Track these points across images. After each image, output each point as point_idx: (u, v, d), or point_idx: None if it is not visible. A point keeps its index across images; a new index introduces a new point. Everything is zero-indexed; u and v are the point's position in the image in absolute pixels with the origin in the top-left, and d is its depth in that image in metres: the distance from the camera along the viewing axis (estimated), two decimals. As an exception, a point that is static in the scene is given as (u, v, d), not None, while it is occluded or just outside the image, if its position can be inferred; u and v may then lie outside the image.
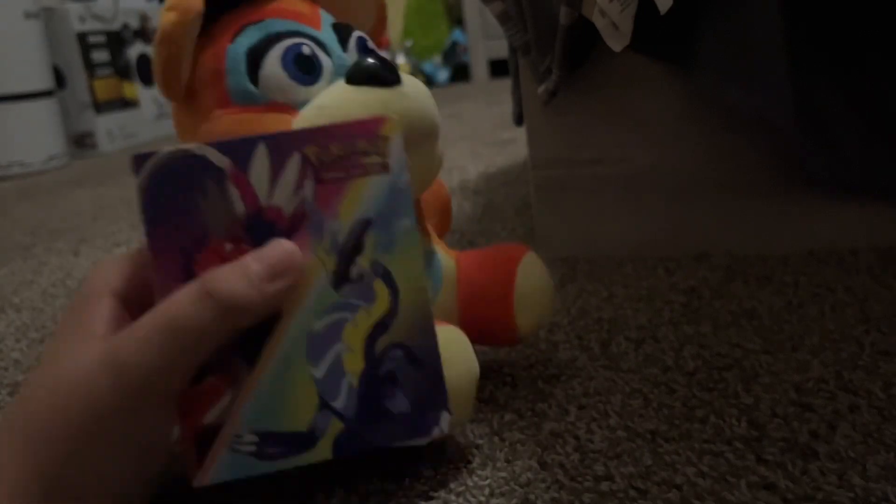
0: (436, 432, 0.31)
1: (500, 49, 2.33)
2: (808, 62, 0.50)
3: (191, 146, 0.28)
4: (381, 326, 0.30)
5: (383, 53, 0.38)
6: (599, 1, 0.49)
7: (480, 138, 1.30)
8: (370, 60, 0.34)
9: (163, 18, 0.32)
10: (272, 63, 0.33)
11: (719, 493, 0.30)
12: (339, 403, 0.30)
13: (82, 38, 1.89)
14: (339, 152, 0.29)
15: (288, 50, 0.33)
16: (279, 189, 0.29)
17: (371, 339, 0.30)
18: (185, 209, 0.28)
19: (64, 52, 1.88)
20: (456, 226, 0.73)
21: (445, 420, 0.31)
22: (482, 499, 0.32)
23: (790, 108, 0.50)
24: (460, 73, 2.72)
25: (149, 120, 2.10)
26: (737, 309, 0.48)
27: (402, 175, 0.30)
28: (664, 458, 0.33)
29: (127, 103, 2.02)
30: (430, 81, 2.66)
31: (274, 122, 0.32)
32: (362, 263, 0.30)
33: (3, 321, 0.64)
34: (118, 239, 0.91)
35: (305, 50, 0.33)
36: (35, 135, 1.71)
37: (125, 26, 2.03)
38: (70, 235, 0.96)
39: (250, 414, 0.29)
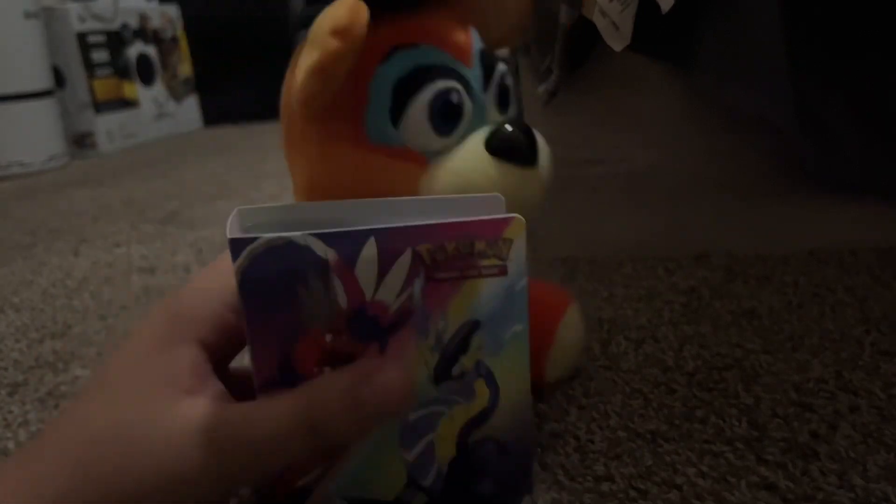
0: None
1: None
2: (808, 62, 0.50)
3: (296, 236, 0.26)
4: (476, 421, 0.30)
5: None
6: (600, 1, 0.49)
7: (480, 138, 1.30)
8: (512, 129, 0.31)
9: (324, 44, 0.27)
10: (419, 108, 0.30)
11: (719, 494, 0.30)
12: (426, 483, 0.30)
13: (82, 38, 1.89)
14: (454, 252, 0.27)
15: (438, 96, 0.30)
16: (386, 285, 0.27)
17: (465, 432, 0.30)
18: (285, 299, 0.27)
19: (64, 51, 1.88)
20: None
21: (527, 502, 0.31)
22: (482, 499, 0.32)
23: (790, 108, 0.50)
24: (460, 72, 2.72)
25: (149, 120, 2.10)
26: (737, 309, 0.48)
27: (520, 280, 0.28)
28: (664, 459, 0.33)
29: (127, 103, 2.02)
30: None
31: (404, 173, 0.31)
32: (465, 363, 0.29)
33: (3, 321, 0.64)
34: (118, 239, 0.91)
35: (454, 98, 0.31)
36: (35, 135, 1.71)
37: (125, 26, 2.03)
38: (70, 235, 0.96)
39: (343, 480, 0.29)
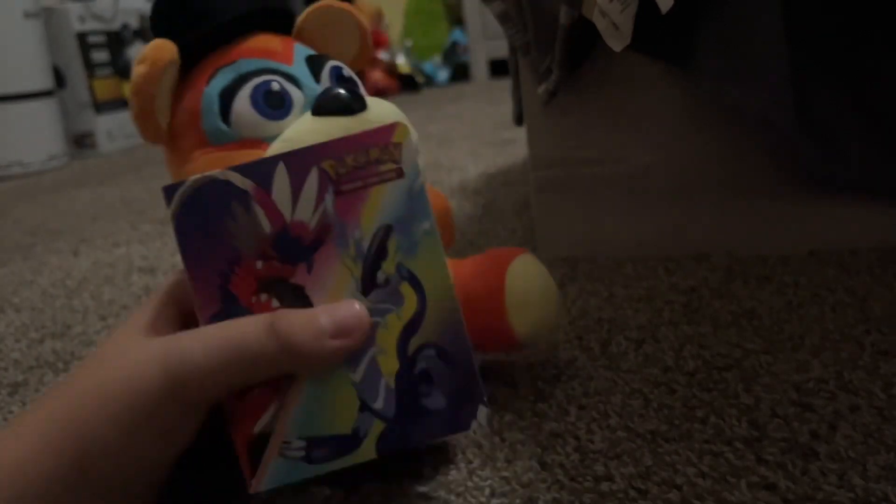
0: (474, 425, 0.31)
1: (500, 49, 2.33)
2: (809, 62, 0.50)
3: (215, 173, 0.30)
4: (411, 327, 0.31)
5: (355, 78, 0.39)
6: (600, 1, 0.49)
7: (480, 138, 1.30)
8: (336, 91, 0.35)
9: (134, 70, 0.34)
10: (242, 102, 0.35)
11: (719, 494, 0.30)
12: (378, 404, 0.31)
13: (82, 38, 1.89)
14: (354, 163, 0.30)
15: (256, 88, 0.35)
16: (302, 204, 0.30)
17: (403, 340, 0.31)
18: (215, 233, 0.30)
19: (64, 52, 1.88)
20: (456, 226, 0.73)
21: (483, 413, 0.31)
22: (482, 499, 0.32)
23: (790, 109, 0.50)
24: (460, 73, 2.72)
25: (149, 120, 2.10)
26: (737, 309, 0.48)
27: (416, 179, 0.31)
28: (664, 459, 0.33)
29: (127, 103, 2.02)
30: (430, 81, 2.67)
31: (245, 158, 0.33)
32: (387, 268, 0.31)
33: (3, 321, 0.64)
34: (118, 239, 0.91)
35: (274, 86, 0.35)
36: (35, 135, 1.71)
37: (125, 26, 2.03)
38: (70, 235, 0.96)
39: (297, 421, 0.30)
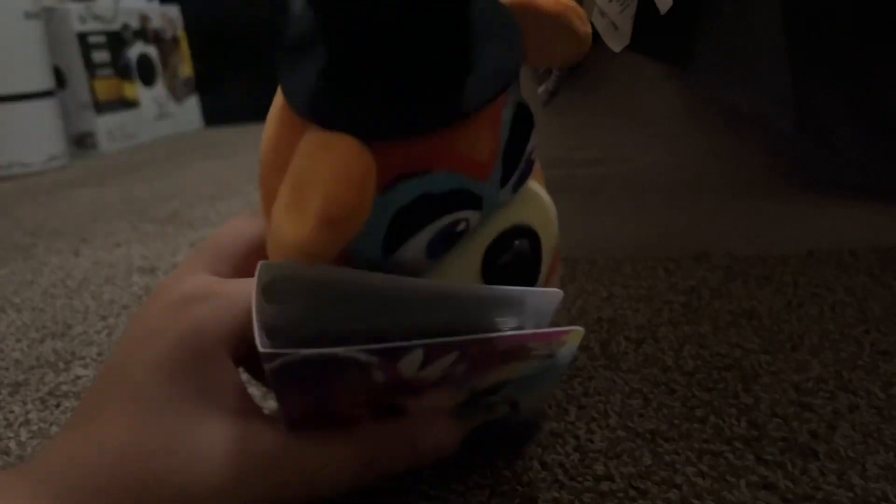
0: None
1: (501, 49, 2.32)
2: (809, 62, 0.50)
3: (339, 351, 0.23)
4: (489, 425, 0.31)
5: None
6: (599, 1, 0.49)
7: (480, 138, 1.30)
8: (514, 251, 0.28)
9: (317, 230, 0.20)
10: (416, 248, 0.25)
11: (719, 493, 0.30)
12: None
13: (82, 38, 1.89)
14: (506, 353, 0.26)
15: (441, 233, 0.25)
16: (428, 370, 0.25)
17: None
18: (319, 389, 0.25)
19: (64, 52, 1.88)
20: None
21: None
22: (482, 499, 0.32)
23: (790, 109, 0.50)
24: (460, 73, 2.72)
25: (149, 120, 2.10)
26: (737, 309, 0.48)
27: (564, 361, 0.29)
28: (664, 458, 0.33)
29: (127, 103, 2.02)
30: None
31: None
32: (490, 399, 0.30)
33: (3, 321, 0.64)
34: (118, 239, 0.91)
35: (461, 227, 0.26)
36: (35, 135, 1.71)
37: (125, 26, 2.03)
38: (70, 235, 0.96)
39: None
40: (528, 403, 0.31)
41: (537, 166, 0.31)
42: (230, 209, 1.02)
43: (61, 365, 0.53)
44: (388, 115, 0.22)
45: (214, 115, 2.27)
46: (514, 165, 0.27)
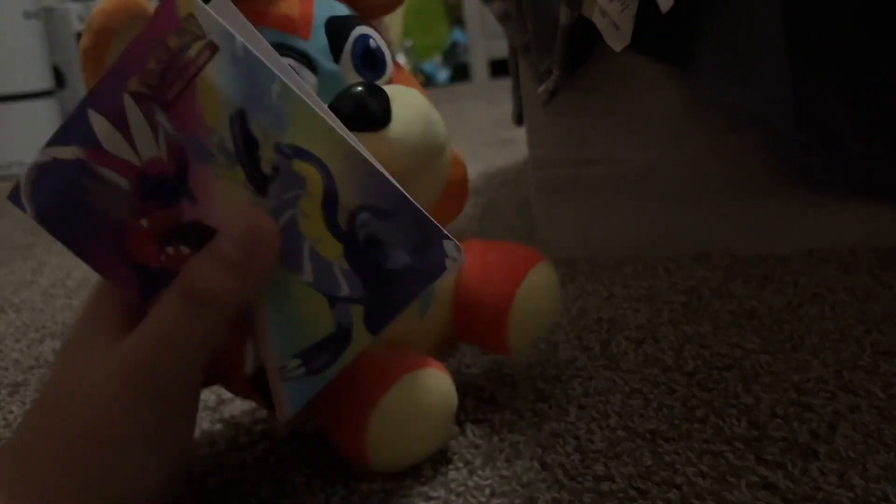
0: (449, 263, 0.29)
1: (500, 49, 2.32)
2: (808, 62, 0.50)
3: (37, 158, 0.26)
4: (328, 202, 0.28)
5: (386, 50, 0.34)
6: (600, 1, 0.49)
7: (480, 138, 1.30)
8: (356, 90, 0.30)
9: (81, 40, 0.29)
10: None
11: (719, 493, 0.30)
12: (344, 291, 0.29)
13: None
14: (158, 65, 0.26)
15: None
16: (139, 141, 0.26)
17: (329, 219, 0.28)
18: (81, 214, 0.27)
19: (64, 52, 1.88)
20: (456, 225, 0.73)
21: (451, 247, 0.29)
22: (482, 499, 0.32)
23: (790, 109, 0.50)
24: (460, 73, 2.72)
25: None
26: (737, 309, 0.48)
27: (234, 44, 0.26)
28: (664, 458, 0.33)
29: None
30: (430, 81, 2.67)
31: None
32: (267, 156, 0.27)
33: (3, 321, 0.64)
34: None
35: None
36: (35, 135, 1.70)
37: (125, 26, 2.03)
38: (70, 235, 0.96)
39: (279, 345, 0.29)
40: (323, 151, 0.27)
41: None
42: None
43: (61, 365, 0.53)
44: None
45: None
46: (340, 39, 0.32)
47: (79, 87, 1.88)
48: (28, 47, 1.69)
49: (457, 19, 2.72)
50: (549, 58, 0.56)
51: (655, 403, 0.37)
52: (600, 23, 0.51)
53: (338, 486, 0.33)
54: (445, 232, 0.29)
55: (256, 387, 0.30)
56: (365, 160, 0.28)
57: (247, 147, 0.27)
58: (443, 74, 2.70)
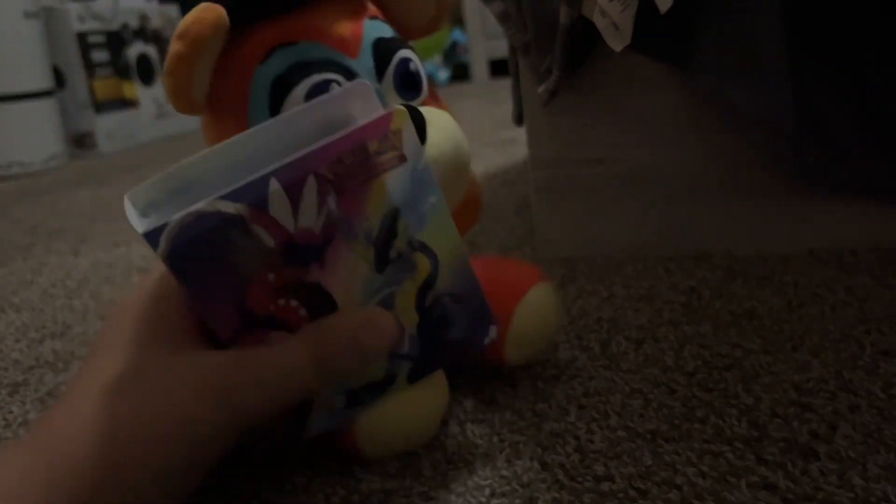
0: (487, 341, 0.35)
1: (500, 49, 2.33)
2: (808, 62, 0.50)
3: (200, 206, 0.27)
4: (426, 286, 0.32)
5: (423, 73, 0.37)
6: (600, 1, 0.49)
7: (480, 138, 1.30)
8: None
9: (172, 46, 0.31)
10: (295, 102, 0.32)
11: (719, 493, 0.30)
12: (405, 350, 0.33)
13: (82, 37, 1.89)
14: (352, 160, 0.29)
15: (314, 88, 0.32)
16: (303, 213, 0.29)
17: (420, 298, 0.32)
18: (218, 266, 0.28)
19: (64, 51, 1.88)
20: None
21: (493, 330, 0.35)
22: (482, 499, 0.32)
23: (790, 109, 0.50)
24: (460, 73, 2.72)
25: (149, 120, 2.10)
26: (737, 309, 0.48)
27: (419, 160, 0.30)
28: (664, 458, 0.33)
29: (127, 103, 2.02)
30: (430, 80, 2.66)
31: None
32: (399, 246, 0.31)
33: (3, 321, 0.64)
34: (118, 239, 0.91)
35: (332, 88, 0.32)
36: (35, 135, 1.71)
37: (125, 26, 2.03)
38: (70, 235, 0.96)
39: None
40: (440, 249, 0.32)
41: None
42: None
43: (60, 365, 0.53)
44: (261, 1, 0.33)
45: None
46: (384, 60, 0.34)
47: (78, 86, 1.89)
48: (28, 47, 1.69)
49: (457, 19, 2.72)
50: (549, 58, 0.56)
51: (655, 403, 0.37)
52: (600, 23, 0.51)
53: (338, 486, 0.33)
54: (494, 316, 0.35)
55: (293, 412, 0.32)
56: (466, 257, 0.33)
57: (386, 235, 0.31)
58: (443, 74, 2.70)
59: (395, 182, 0.30)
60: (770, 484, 0.30)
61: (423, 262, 0.32)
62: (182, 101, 0.33)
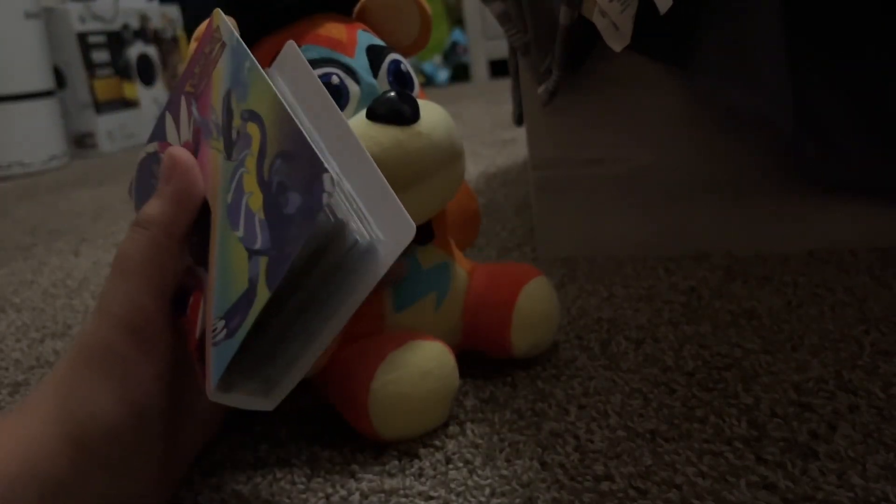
0: (325, 197, 0.28)
1: (500, 49, 2.32)
2: (808, 62, 0.50)
3: (142, 150, 0.35)
4: (261, 155, 0.30)
5: (414, 75, 0.40)
6: (600, 1, 0.49)
7: (480, 138, 1.30)
8: (391, 95, 0.35)
9: (189, 47, 0.35)
10: None
11: (719, 493, 0.30)
12: (258, 243, 0.29)
13: (82, 38, 1.89)
14: (200, 69, 0.34)
15: None
16: (182, 129, 0.34)
17: (259, 171, 0.30)
18: (149, 191, 0.34)
19: (64, 52, 1.88)
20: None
21: (328, 181, 0.28)
22: (482, 499, 0.32)
23: (789, 109, 0.50)
24: (460, 73, 2.72)
25: (149, 120, 2.10)
26: (737, 309, 0.48)
27: (232, 37, 0.33)
28: (664, 458, 0.33)
29: (127, 103, 2.02)
30: (430, 81, 2.67)
31: None
32: (236, 123, 0.32)
33: (3, 321, 0.65)
34: (118, 239, 0.91)
35: (334, 80, 0.36)
36: (35, 135, 1.71)
37: (125, 26, 2.03)
38: (70, 235, 0.96)
39: (216, 305, 0.30)
40: (260, 107, 0.31)
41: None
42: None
43: (61, 365, 0.53)
44: (271, 17, 0.38)
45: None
46: (378, 60, 0.38)
47: (79, 86, 1.89)
48: (28, 47, 1.69)
49: (457, 19, 2.72)
50: (549, 58, 0.56)
51: (655, 403, 0.37)
52: (600, 23, 0.51)
53: (338, 485, 0.33)
54: (326, 166, 0.28)
55: (200, 357, 0.30)
56: (284, 108, 0.30)
57: (228, 119, 0.32)
58: (443, 74, 2.70)
59: (223, 69, 0.33)
60: (770, 484, 0.30)
61: (254, 130, 0.31)
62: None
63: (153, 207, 0.32)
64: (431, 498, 0.32)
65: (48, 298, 0.70)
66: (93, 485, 0.29)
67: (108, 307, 0.30)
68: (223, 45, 0.33)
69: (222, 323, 0.29)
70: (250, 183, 0.30)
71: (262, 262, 0.29)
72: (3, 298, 0.72)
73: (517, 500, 0.31)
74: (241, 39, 0.32)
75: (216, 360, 0.29)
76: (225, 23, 0.33)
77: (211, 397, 0.30)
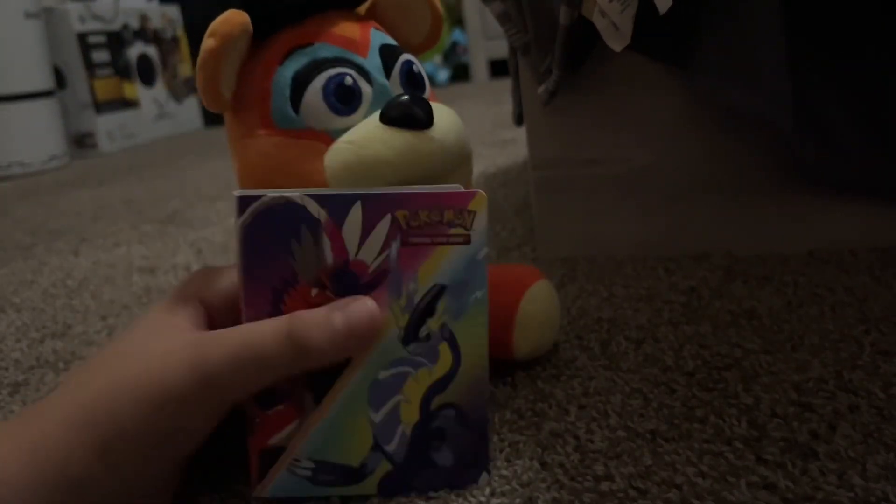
0: (471, 487, 0.33)
1: (500, 49, 2.33)
2: (808, 62, 0.50)
3: (294, 194, 0.30)
4: (439, 385, 0.32)
5: (425, 75, 0.39)
6: (599, 1, 0.49)
7: (480, 138, 1.30)
8: (404, 99, 0.35)
9: (203, 43, 0.34)
10: (314, 93, 0.34)
11: (719, 493, 0.30)
12: (390, 448, 0.32)
13: (82, 38, 1.89)
14: (426, 219, 0.31)
15: (330, 80, 0.34)
16: (368, 246, 0.31)
17: (428, 395, 0.32)
18: (280, 253, 0.31)
19: (64, 52, 1.88)
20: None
21: (483, 479, 0.33)
22: (482, 499, 0.32)
23: (789, 109, 0.50)
24: (460, 73, 2.72)
25: (149, 120, 2.10)
26: (737, 309, 0.48)
27: (481, 249, 0.31)
28: (664, 458, 0.33)
29: (127, 103, 2.02)
30: (430, 81, 2.67)
31: (308, 148, 0.34)
32: (432, 325, 0.31)
33: (3, 321, 0.65)
34: (118, 239, 0.91)
35: (347, 81, 0.35)
36: (35, 135, 1.71)
37: (125, 26, 2.03)
38: (70, 235, 0.97)
39: (311, 444, 0.32)
40: (466, 352, 0.32)
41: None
42: (230, 209, 1.01)
43: (61, 365, 0.53)
44: (283, 13, 0.36)
45: (214, 115, 2.27)
46: (391, 61, 0.37)
47: (79, 86, 1.89)
48: (28, 47, 1.69)
49: (457, 19, 2.72)
50: (549, 58, 0.56)
51: (655, 403, 0.37)
52: (600, 23, 0.51)
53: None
54: (489, 465, 0.33)
55: (262, 455, 0.32)
56: (486, 378, 0.32)
57: (425, 309, 0.31)
58: (443, 74, 2.70)
59: (451, 259, 0.31)
60: (770, 484, 0.30)
61: (446, 358, 0.32)
62: (211, 96, 0.35)
63: (318, 337, 0.29)
64: (431, 498, 0.32)
65: (48, 298, 0.70)
66: (199, 424, 0.30)
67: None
68: (467, 238, 0.31)
69: (310, 464, 0.32)
70: (413, 393, 0.32)
71: (384, 465, 0.32)
72: (3, 298, 0.72)
73: (517, 500, 0.31)
74: (485, 262, 0.31)
75: (284, 484, 0.32)
76: (483, 221, 0.31)
77: (254, 493, 0.32)
